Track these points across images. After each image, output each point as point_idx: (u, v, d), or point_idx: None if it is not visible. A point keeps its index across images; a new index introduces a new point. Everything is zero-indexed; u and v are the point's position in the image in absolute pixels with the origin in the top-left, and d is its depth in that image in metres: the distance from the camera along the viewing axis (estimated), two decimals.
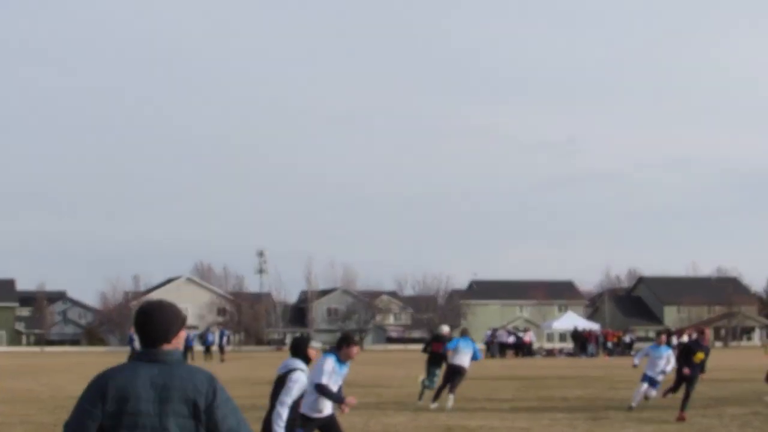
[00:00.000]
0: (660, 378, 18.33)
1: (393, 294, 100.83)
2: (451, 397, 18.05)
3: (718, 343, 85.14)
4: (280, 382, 8.60)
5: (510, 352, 58.40)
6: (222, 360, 46.78)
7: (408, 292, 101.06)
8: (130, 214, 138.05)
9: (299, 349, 8.85)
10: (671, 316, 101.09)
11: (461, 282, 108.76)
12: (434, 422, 16.01)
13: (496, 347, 58.02)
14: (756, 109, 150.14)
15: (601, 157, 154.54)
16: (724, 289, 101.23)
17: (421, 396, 19.21)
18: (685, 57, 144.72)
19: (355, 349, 9.64)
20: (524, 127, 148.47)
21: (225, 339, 53.03)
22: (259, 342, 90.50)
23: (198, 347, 51.42)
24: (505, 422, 16.18)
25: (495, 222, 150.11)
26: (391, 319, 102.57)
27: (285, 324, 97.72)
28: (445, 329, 21.40)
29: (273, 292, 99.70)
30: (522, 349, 59.41)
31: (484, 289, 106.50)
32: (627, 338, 65.99)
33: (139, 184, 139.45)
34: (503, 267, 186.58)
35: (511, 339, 60.78)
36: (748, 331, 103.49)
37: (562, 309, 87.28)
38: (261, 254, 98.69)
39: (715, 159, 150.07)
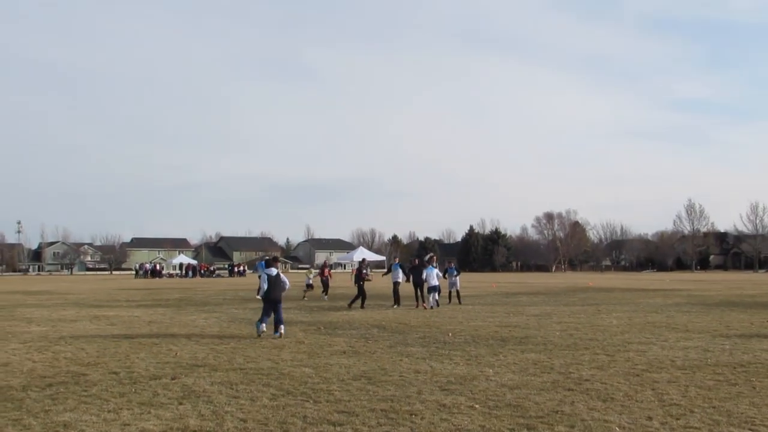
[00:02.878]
0: (434, 283, 26.00)
1: None
2: None
3: None
4: (276, 279, 15.87)
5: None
6: None
7: None
8: None
9: (273, 262, 15.84)
10: (237, 258, 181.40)
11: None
12: None
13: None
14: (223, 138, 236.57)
15: None
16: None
17: None
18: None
19: None
20: None
21: None
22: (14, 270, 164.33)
23: None
24: None
25: None
26: None
27: None
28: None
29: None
30: (155, 273, 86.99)
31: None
32: (212, 268, 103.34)
33: None
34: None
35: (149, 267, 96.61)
36: None
37: (180, 252, 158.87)
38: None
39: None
